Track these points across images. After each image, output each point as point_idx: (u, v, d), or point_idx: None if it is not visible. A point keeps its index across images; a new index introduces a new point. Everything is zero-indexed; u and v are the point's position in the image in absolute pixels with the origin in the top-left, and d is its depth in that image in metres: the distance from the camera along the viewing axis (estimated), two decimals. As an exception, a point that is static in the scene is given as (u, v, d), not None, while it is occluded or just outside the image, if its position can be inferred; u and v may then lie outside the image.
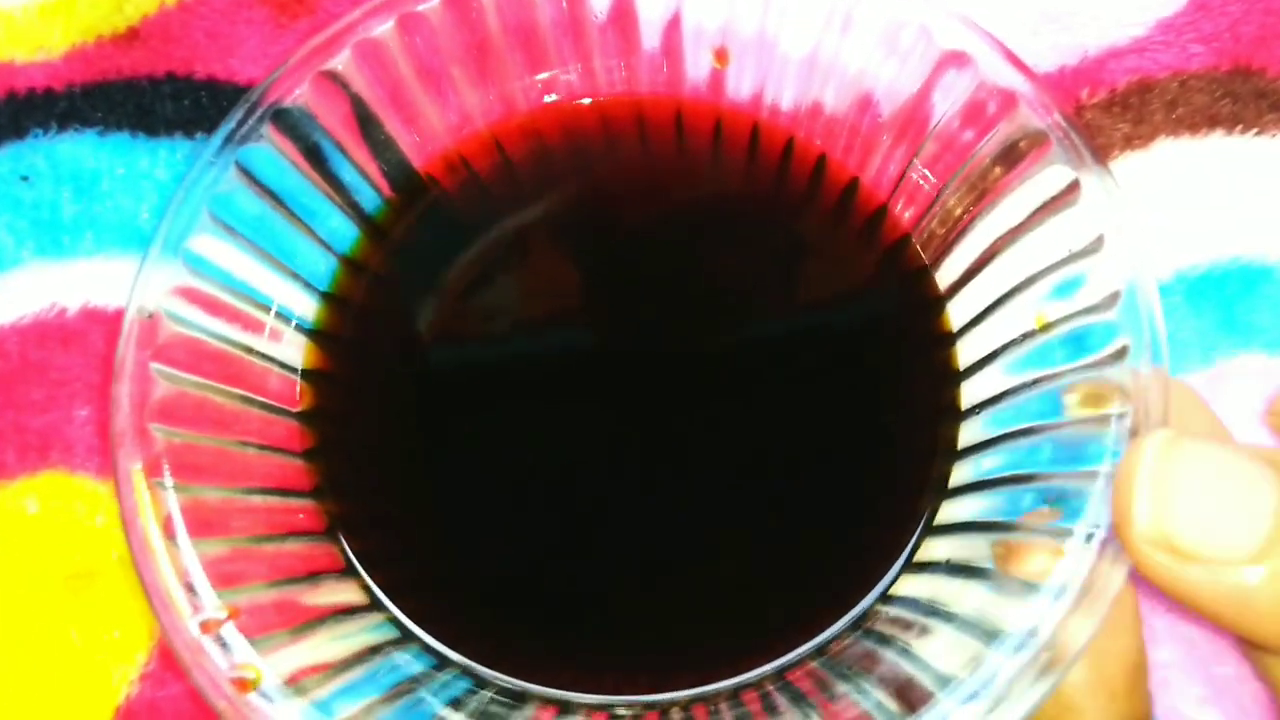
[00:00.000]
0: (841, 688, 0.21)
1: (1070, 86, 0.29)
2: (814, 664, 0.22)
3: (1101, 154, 0.27)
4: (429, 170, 0.25)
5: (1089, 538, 0.18)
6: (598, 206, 0.25)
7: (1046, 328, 0.22)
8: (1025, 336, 0.22)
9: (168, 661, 0.26)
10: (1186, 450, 0.16)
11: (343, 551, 0.23)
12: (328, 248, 0.24)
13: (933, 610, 0.21)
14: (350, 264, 0.25)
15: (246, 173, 0.22)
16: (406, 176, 0.25)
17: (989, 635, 0.19)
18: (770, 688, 0.22)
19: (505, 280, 0.25)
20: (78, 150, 0.29)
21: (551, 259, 0.25)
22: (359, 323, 0.24)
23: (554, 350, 0.25)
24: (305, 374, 0.24)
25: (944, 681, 0.19)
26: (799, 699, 0.21)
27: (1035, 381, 0.21)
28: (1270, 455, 0.16)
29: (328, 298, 0.24)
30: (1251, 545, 0.15)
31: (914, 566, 0.22)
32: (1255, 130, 0.29)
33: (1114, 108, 0.29)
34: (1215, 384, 0.28)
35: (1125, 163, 0.29)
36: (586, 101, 0.26)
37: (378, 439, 0.24)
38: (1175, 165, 0.29)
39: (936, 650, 0.20)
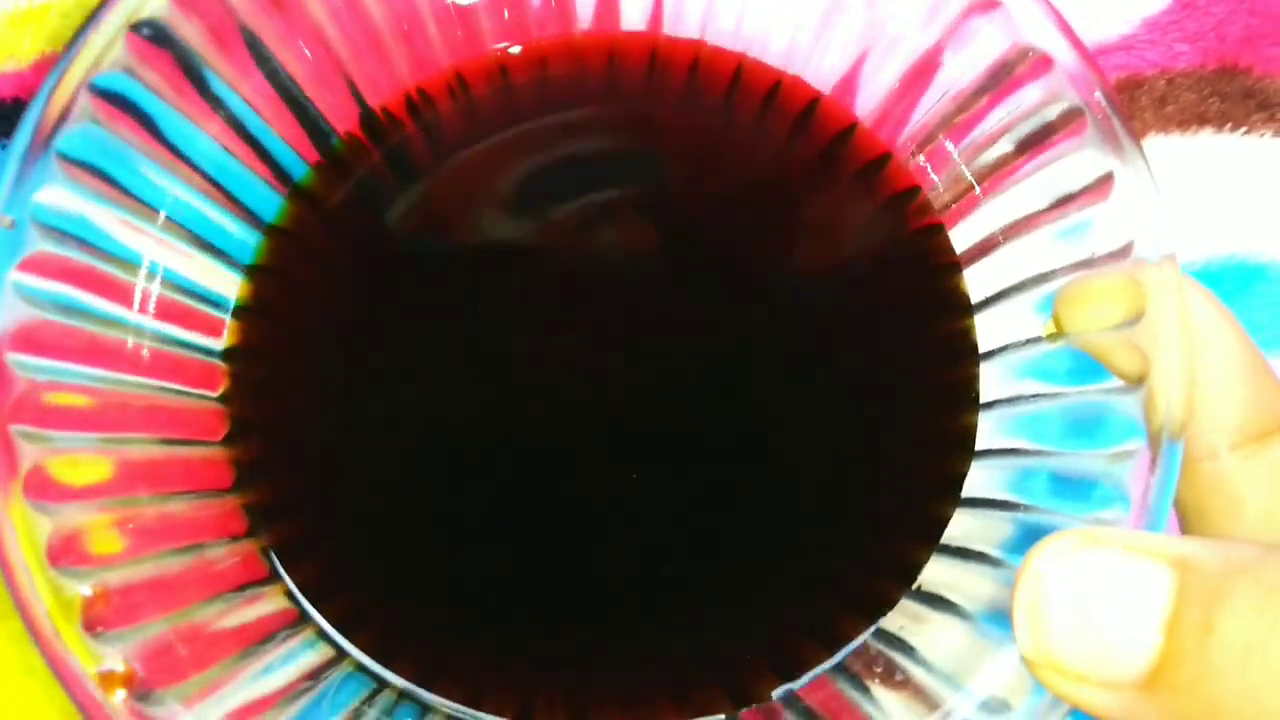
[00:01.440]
0: (848, 695, 0.19)
1: (1057, 86, 0.29)
2: (830, 678, 0.20)
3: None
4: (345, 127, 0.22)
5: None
6: (568, 159, 0.22)
7: (1054, 337, 0.19)
8: (1029, 342, 0.20)
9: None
10: (1075, 561, 0.15)
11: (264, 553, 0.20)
12: (226, 196, 0.21)
13: (944, 604, 0.19)
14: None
15: (109, 99, 0.18)
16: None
17: (1005, 635, 0.17)
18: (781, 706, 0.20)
19: (456, 242, 0.22)
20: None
21: (516, 217, 0.22)
22: (280, 300, 0.21)
23: (513, 318, 0.22)
24: (227, 353, 0.21)
25: (957, 685, 0.17)
26: (804, 708, 0.19)
27: (1037, 396, 0.19)
28: (1180, 551, 0.14)
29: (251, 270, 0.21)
30: (1137, 665, 0.14)
31: (939, 550, 0.20)
32: (1244, 129, 0.29)
33: (1102, 107, 0.29)
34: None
35: (1115, 161, 0.29)
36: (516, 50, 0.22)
37: (307, 437, 0.21)
38: (1166, 162, 0.29)
39: (948, 650, 0.18)
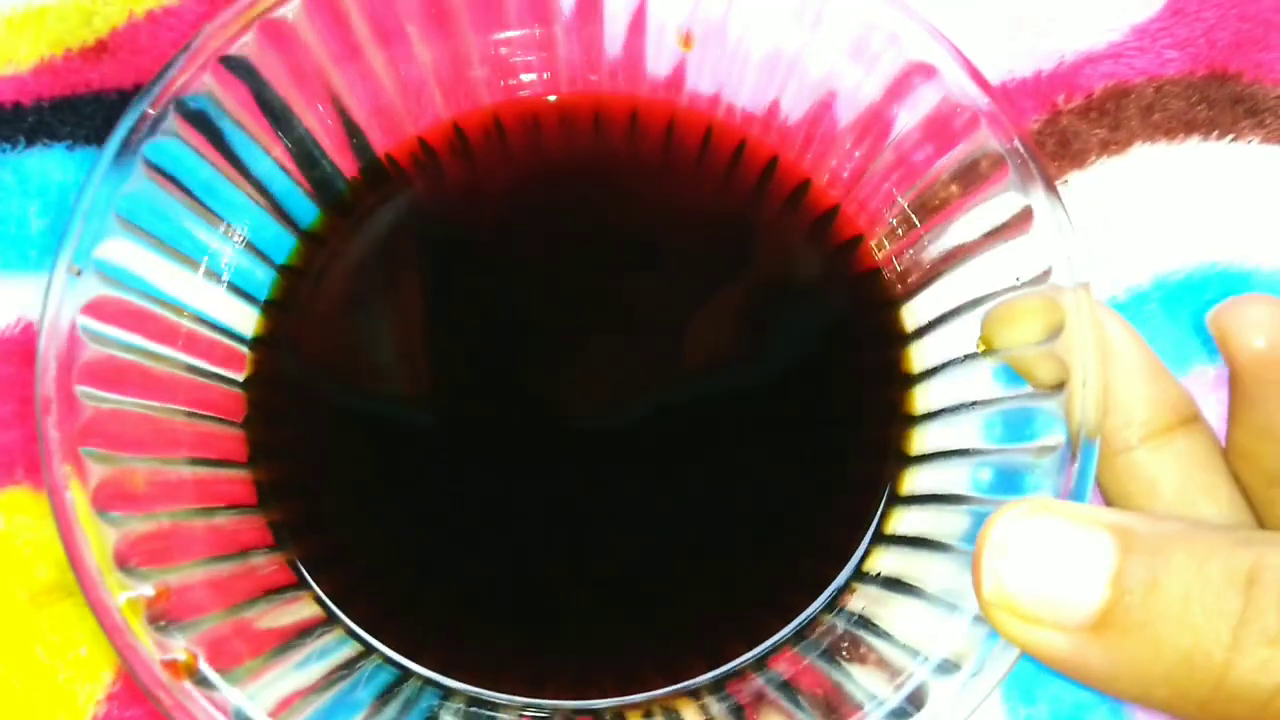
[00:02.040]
0: (820, 667, 0.21)
1: (1046, 92, 0.29)
2: (794, 649, 0.22)
3: (1078, 159, 0.28)
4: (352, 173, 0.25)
5: None
6: (549, 205, 0.25)
7: (989, 352, 0.22)
8: (967, 358, 0.22)
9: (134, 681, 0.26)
10: (1033, 521, 0.17)
11: (294, 565, 0.22)
12: (247, 245, 0.24)
13: (902, 587, 0.21)
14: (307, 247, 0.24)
15: (156, 169, 0.21)
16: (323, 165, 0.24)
17: (956, 608, 0.20)
18: (752, 675, 0.22)
19: (459, 275, 0.25)
20: (45, 164, 0.29)
21: (499, 255, 0.25)
22: (302, 321, 0.24)
23: (503, 347, 0.24)
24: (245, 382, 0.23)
25: (915, 654, 0.20)
26: (785, 689, 0.21)
27: (974, 404, 0.22)
28: (1120, 521, 0.17)
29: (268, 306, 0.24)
30: (1084, 611, 0.17)
31: (883, 539, 0.22)
32: (1231, 136, 0.29)
33: (1090, 113, 0.29)
34: (1193, 391, 0.27)
35: (1102, 168, 0.29)
36: (551, 99, 0.25)
37: (326, 444, 0.24)
38: (1152, 171, 0.29)
39: (908, 625, 0.21)
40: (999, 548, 0.17)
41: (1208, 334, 0.28)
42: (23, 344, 0.28)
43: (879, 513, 0.23)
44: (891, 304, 0.24)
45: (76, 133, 0.29)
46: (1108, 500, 0.24)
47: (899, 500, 0.23)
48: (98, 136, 0.29)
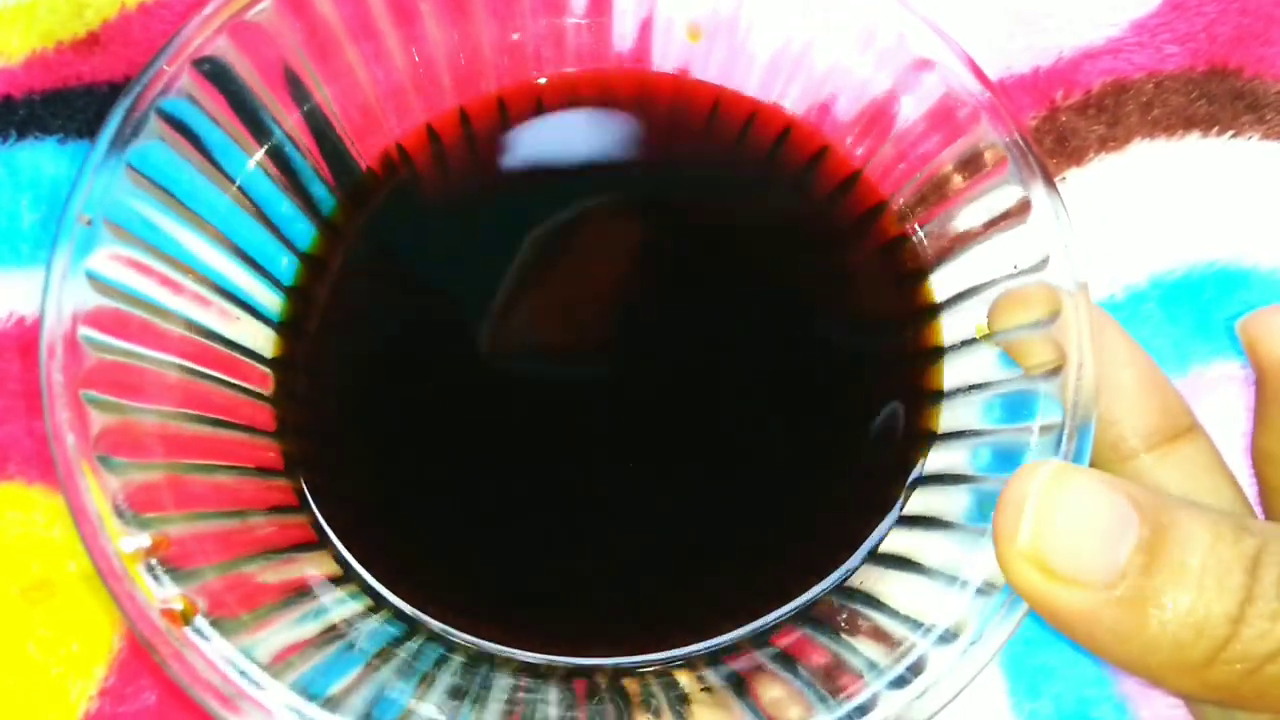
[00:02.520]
0: (825, 644, 0.21)
1: (1045, 88, 0.29)
2: (798, 628, 0.22)
3: (1077, 156, 0.28)
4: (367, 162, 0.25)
5: None
6: (565, 188, 0.25)
7: (986, 337, 0.22)
8: (964, 344, 0.23)
9: (126, 676, 0.26)
10: (1072, 481, 0.18)
11: (305, 503, 0.22)
12: (265, 219, 0.23)
13: (905, 564, 0.22)
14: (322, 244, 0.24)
15: (172, 124, 0.21)
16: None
17: (956, 581, 0.20)
18: (754, 650, 0.22)
19: (474, 262, 0.25)
20: (37, 158, 0.28)
21: (520, 241, 0.25)
22: (322, 308, 0.24)
23: (524, 328, 0.25)
24: (273, 362, 0.24)
25: (916, 626, 0.20)
26: (784, 660, 0.21)
27: (971, 388, 0.22)
28: (1142, 496, 0.18)
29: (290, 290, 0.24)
30: (1109, 573, 0.18)
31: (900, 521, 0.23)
32: (1232, 132, 0.29)
33: (1089, 109, 0.29)
34: (1191, 391, 0.27)
35: (1101, 165, 0.29)
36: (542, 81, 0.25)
37: (349, 411, 0.24)
38: (1151, 168, 0.28)
39: (907, 600, 0.21)
40: (1042, 500, 0.18)
41: (1206, 333, 0.28)
42: (17, 339, 0.28)
43: (902, 497, 0.23)
44: (912, 278, 0.24)
45: (68, 126, 0.29)
46: None
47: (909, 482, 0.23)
48: (89, 130, 0.28)
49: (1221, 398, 0.27)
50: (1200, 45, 0.29)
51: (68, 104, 0.29)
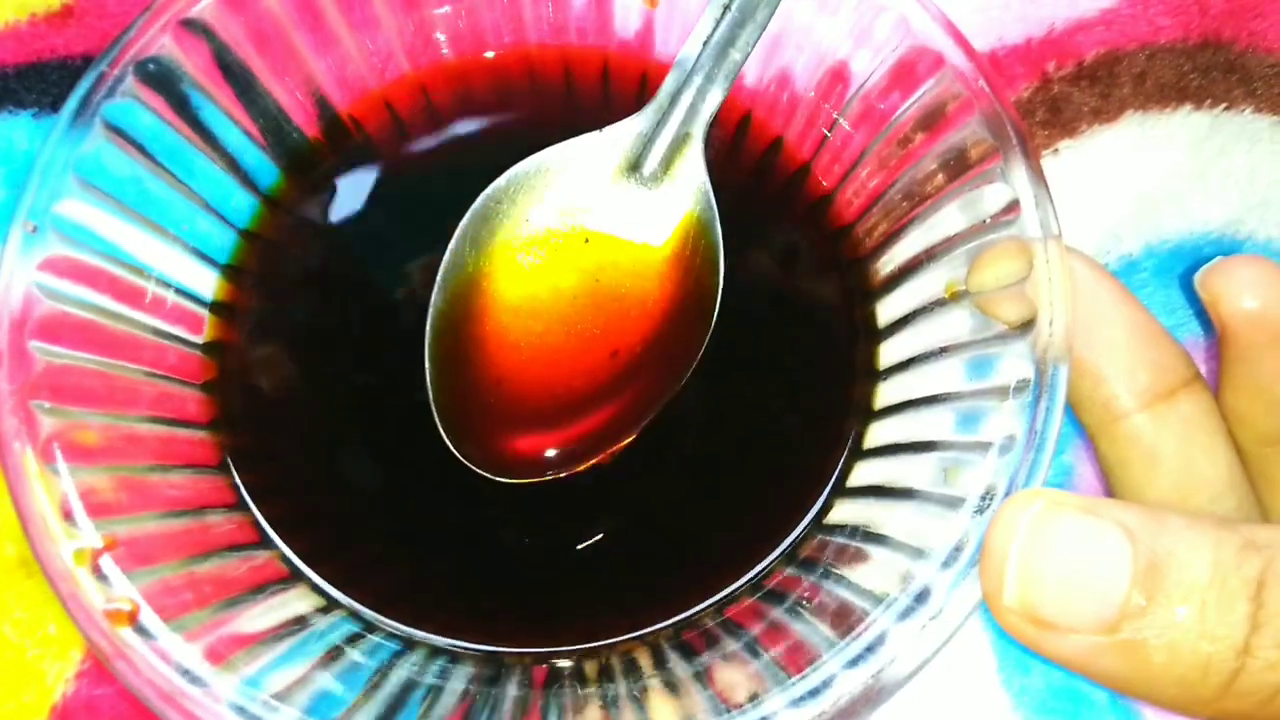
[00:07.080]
0: (779, 617, 0.21)
1: (1037, 59, 0.29)
2: (752, 599, 0.22)
3: (1069, 127, 0.27)
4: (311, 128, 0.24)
5: (1003, 450, 0.19)
6: (495, 162, 0.23)
7: (956, 296, 0.22)
8: (936, 304, 0.22)
9: (105, 659, 0.25)
10: (1057, 521, 0.17)
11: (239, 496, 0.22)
12: (206, 206, 0.23)
13: (865, 535, 0.21)
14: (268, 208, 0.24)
15: (115, 130, 0.21)
16: (283, 126, 0.24)
17: (918, 553, 0.19)
18: (710, 624, 0.22)
19: (422, 227, 0.24)
20: (11, 133, 0.28)
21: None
22: (272, 263, 0.24)
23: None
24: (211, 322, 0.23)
25: (877, 600, 0.19)
26: (737, 631, 0.21)
27: (944, 349, 0.22)
28: (1135, 520, 0.17)
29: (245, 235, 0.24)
30: (1104, 618, 0.17)
31: (844, 492, 0.22)
32: (1224, 105, 0.28)
33: (1082, 80, 0.29)
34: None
35: (1093, 136, 0.28)
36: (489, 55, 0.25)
37: (286, 400, 0.24)
38: (1143, 139, 0.28)
39: (869, 572, 0.20)
40: (1025, 551, 0.17)
41: (1200, 303, 0.27)
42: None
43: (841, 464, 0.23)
44: (860, 261, 0.24)
45: (42, 100, 0.28)
46: (1105, 470, 0.23)
47: (863, 454, 0.23)
48: (63, 104, 0.28)
49: (1216, 367, 0.27)
50: (1193, 17, 0.29)
51: (41, 77, 0.28)
